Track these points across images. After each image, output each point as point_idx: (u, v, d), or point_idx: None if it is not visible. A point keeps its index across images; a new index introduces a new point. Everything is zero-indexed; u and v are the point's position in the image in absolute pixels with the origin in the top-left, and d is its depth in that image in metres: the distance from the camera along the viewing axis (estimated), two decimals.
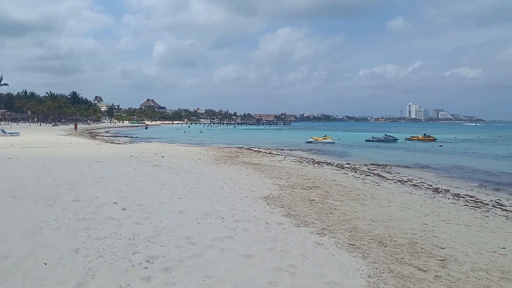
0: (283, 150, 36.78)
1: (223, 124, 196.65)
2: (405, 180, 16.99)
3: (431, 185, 15.67)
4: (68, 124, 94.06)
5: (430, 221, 8.70)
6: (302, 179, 14.36)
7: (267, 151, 31.52)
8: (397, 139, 54.37)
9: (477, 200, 12.47)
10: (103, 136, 55.65)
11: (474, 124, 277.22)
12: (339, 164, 23.23)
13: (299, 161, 23.82)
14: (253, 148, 35.25)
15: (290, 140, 57.54)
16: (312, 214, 8.68)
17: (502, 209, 11.16)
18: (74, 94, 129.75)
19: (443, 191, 14.20)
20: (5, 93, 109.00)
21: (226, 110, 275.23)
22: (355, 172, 19.08)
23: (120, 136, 58.44)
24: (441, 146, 45.72)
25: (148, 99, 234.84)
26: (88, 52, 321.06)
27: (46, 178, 11.93)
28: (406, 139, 57.16)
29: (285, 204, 9.60)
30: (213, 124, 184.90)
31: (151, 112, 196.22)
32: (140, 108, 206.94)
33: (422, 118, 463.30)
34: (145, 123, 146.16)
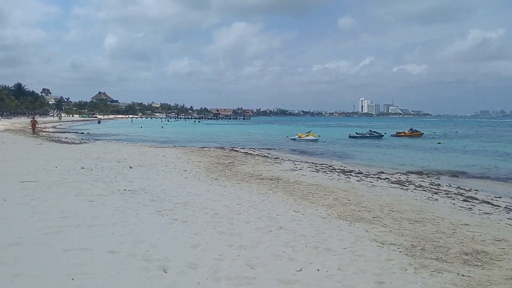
0: (270, 150, 30.64)
1: (180, 118, 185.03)
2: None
3: None
4: (10, 118, 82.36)
5: None
6: (381, 211, 8.25)
7: (260, 154, 25.19)
8: (382, 136, 49.61)
9: None
10: (48, 132, 46.29)
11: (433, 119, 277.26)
12: (371, 173, 17.35)
13: (315, 169, 17.80)
14: (236, 149, 28.87)
15: (267, 137, 51.01)
16: None
17: None
18: (18, 86, 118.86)
19: None
20: None
21: (182, 104, 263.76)
22: (422, 189, 13.21)
23: (69, 132, 49.30)
24: (439, 143, 41.28)
25: (99, 92, 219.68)
26: (35, 43, 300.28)
27: None
28: (392, 135, 52.51)
29: None
30: (170, 118, 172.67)
31: (103, 105, 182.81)
32: (92, 101, 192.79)
33: (374, 113, 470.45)
34: (97, 117, 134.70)
